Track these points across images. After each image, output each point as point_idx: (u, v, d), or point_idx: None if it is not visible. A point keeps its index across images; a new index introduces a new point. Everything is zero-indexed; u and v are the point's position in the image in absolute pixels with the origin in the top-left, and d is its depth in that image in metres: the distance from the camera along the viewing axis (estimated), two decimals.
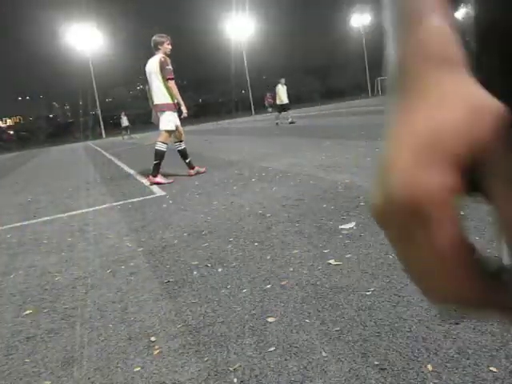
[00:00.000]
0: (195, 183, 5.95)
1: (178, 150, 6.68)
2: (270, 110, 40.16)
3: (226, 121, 43.05)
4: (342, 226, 3.11)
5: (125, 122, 31.64)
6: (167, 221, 4.08)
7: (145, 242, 3.51)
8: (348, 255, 2.56)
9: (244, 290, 2.30)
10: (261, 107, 50.31)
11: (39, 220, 5.02)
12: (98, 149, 22.50)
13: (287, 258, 2.66)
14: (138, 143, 22.28)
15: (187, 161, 6.80)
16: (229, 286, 2.39)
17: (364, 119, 14.97)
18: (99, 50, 47.18)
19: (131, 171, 8.84)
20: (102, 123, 44.60)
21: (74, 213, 5.14)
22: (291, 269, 2.49)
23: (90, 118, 57.01)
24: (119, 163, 11.34)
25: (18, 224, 4.97)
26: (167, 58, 6.26)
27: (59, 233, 4.26)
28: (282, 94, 18.30)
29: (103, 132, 44.85)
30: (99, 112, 44.76)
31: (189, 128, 32.93)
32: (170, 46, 6.42)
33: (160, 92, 6.29)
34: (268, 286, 2.31)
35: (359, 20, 60.73)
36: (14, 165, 20.30)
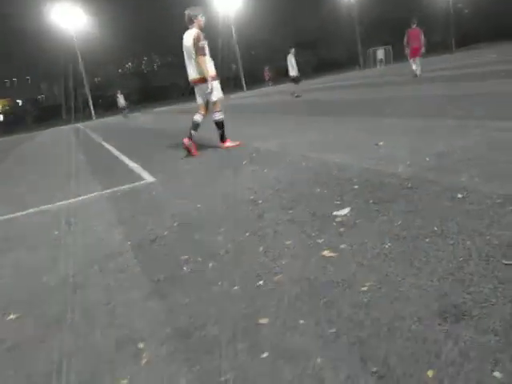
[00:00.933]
0: (185, 167, 5.82)
1: (214, 120, 6.84)
2: (270, 84, 39.79)
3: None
4: (336, 213, 3.01)
5: (122, 101, 30.75)
6: (157, 210, 3.97)
7: (134, 233, 3.40)
8: (343, 245, 2.47)
9: (236, 288, 2.21)
10: (252, 83, 49.63)
11: (27, 212, 4.89)
12: (87, 131, 22.14)
13: (280, 250, 2.57)
14: (127, 123, 21.94)
15: (220, 132, 6.90)
16: (220, 283, 2.30)
17: (357, 93, 14.77)
18: (84, 28, 45.95)
19: (119, 154, 8.67)
20: (91, 104, 43.86)
21: (61, 203, 5.01)
22: (284, 262, 2.40)
23: (79, 98, 56.08)
24: (108, 146, 11.13)
25: (6, 217, 4.83)
26: (200, 34, 6.34)
27: (47, 226, 4.14)
28: (292, 64, 17.59)
29: (93, 113, 44.14)
30: (87, 92, 43.91)
31: (183, 106, 32.47)
32: (203, 19, 6.54)
33: (196, 67, 6.45)
34: (260, 283, 2.22)
35: None
36: (4, 150, 19.97)
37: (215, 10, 49.83)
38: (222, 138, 6.87)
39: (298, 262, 2.37)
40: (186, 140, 6.72)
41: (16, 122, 56.60)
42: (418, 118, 6.50)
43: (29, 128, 50.31)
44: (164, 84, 68.62)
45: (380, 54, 41.26)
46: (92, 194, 5.16)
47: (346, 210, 3.03)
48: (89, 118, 44.31)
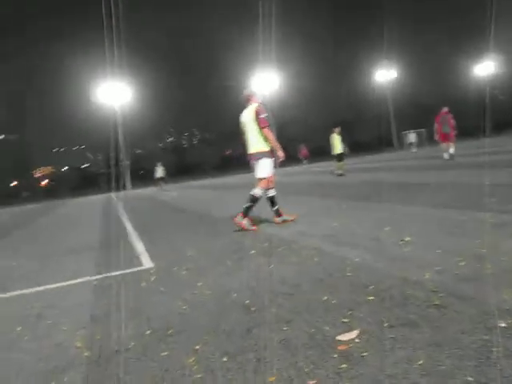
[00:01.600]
0: (188, 254, 5.30)
1: (268, 197, 6.72)
2: (305, 162, 39.98)
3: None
4: (341, 337, 2.36)
5: (159, 172, 31.32)
6: (137, 308, 3.41)
7: (98, 340, 2.83)
8: None
9: None
10: (287, 161, 50.37)
11: (5, 296, 4.43)
12: (117, 201, 22.32)
13: None
14: (157, 196, 22.02)
15: (274, 208, 6.75)
16: None
17: (389, 176, 14.27)
18: (129, 103, 48.66)
19: (132, 231, 8.30)
20: (128, 174, 45.18)
21: (44, 288, 4.53)
22: None
23: (118, 168, 58.20)
24: (126, 221, 10.85)
25: None
26: (262, 107, 6.48)
27: (13, 317, 3.63)
28: (337, 143, 17.77)
29: (129, 184, 45.30)
30: (127, 163, 45.45)
31: (210, 181, 32.83)
32: (259, 100, 6.73)
33: (256, 140, 6.48)
34: None
35: (385, 75, 61.20)
36: (29, 219, 20.25)
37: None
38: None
39: None
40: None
41: (57, 189, 58.78)
42: (452, 208, 5.85)
43: (68, 194, 52.00)
44: (200, 160, 70.75)
45: (412, 137, 41.18)
46: (81, 280, 4.68)
47: (353, 334, 2.38)
48: (125, 188, 45.42)
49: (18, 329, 3.31)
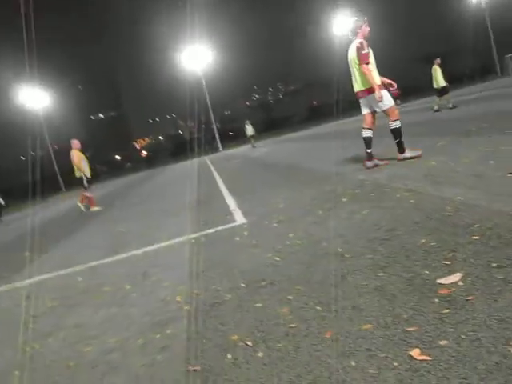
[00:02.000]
0: (279, 206, 5.29)
1: (391, 129, 6.37)
2: (398, 101, 37.80)
3: (339, 121, 41.62)
4: (442, 281, 2.19)
5: (249, 131, 31.90)
6: (232, 263, 3.49)
7: (196, 295, 2.95)
8: (443, 341, 1.68)
9: None
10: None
11: (116, 258, 4.81)
12: (209, 163, 23.08)
13: (353, 340, 1.86)
14: (249, 154, 22.35)
15: (397, 141, 6.37)
16: None
17: (488, 106, 12.91)
18: (212, 68, 49.32)
19: (224, 190, 8.52)
20: (217, 137, 46.38)
21: (149, 248, 4.85)
22: (353, 363, 1.70)
23: (209, 132, 59.80)
24: (218, 181, 11.17)
25: (96, 263, 4.81)
26: (364, 43, 6.23)
27: (123, 276, 3.93)
28: (438, 75, 16.26)
29: (220, 145, 46.56)
30: (215, 126, 46.60)
31: (298, 134, 32.49)
32: (368, 28, 6.45)
33: (361, 77, 6.33)
34: None
35: None
36: (135, 185, 21.78)
37: (333, 33, 49.66)
38: (400, 149, 6.35)
39: (372, 364, 1.65)
40: (367, 163, 6.50)
41: (156, 157, 62.37)
42: None
43: (166, 161, 55.03)
44: (287, 113, 70.03)
45: None
46: (180, 239, 4.91)
47: (456, 277, 2.19)
48: (216, 150, 46.79)
49: (128, 287, 3.57)
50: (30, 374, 2.40)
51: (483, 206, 3.22)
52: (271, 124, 65.20)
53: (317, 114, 70.94)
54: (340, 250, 3.10)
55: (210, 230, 4.92)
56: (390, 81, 6.69)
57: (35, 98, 47.83)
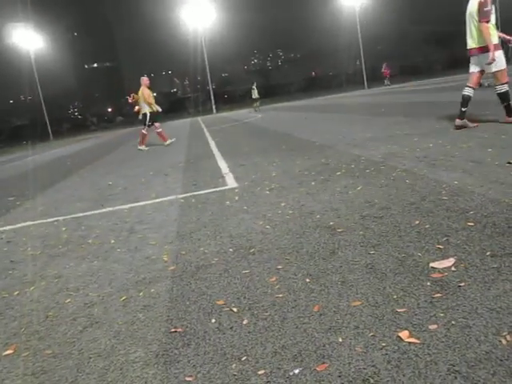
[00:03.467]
0: (272, 174, 5.22)
1: (498, 93, 6.14)
2: (386, 82, 37.25)
3: (336, 95, 41.18)
4: (434, 264, 2.16)
5: (255, 93, 31.50)
6: (220, 226, 3.43)
7: (183, 256, 2.90)
8: (433, 326, 1.65)
9: (260, 372, 1.55)
10: (374, 80, 47.36)
11: (102, 211, 4.73)
12: (202, 125, 22.76)
13: (341, 316, 1.83)
14: (243, 119, 22.06)
15: (505, 104, 6.15)
16: (244, 358, 1.65)
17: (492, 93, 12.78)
18: (214, 26, 47.97)
19: (217, 153, 8.40)
20: (212, 98, 45.63)
21: (136, 204, 4.77)
22: (340, 339, 1.67)
23: (204, 93, 58.79)
24: (211, 143, 11.02)
25: (81, 214, 4.73)
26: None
27: (108, 230, 3.87)
28: None
29: (213, 107, 45.89)
30: (210, 87, 45.75)
31: (294, 103, 32.14)
32: None
33: (478, 34, 6.01)
34: (296, 371, 1.52)
35: None
36: (125, 140, 21.43)
37: (341, 3, 48.54)
38: (509, 112, 6.10)
39: (359, 342, 1.62)
40: (458, 120, 6.33)
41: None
42: None
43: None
44: (285, 81, 69.03)
45: None
46: (169, 198, 4.83)
47: (449, 262, 2.16)
48: (210, 112, 46.14)
49: (112, 241, 3.51)
50: (8, 321, 2.34)
51: (480, 193, 3.18)
52: (268, 91, 64.23)
53: (315, 85, 70.05)
54: (332, 223, 3.06)
55: (201, 192, 4.85)
56: (509, 37, 6.40)
57: (28, 38, 46.19)
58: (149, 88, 12.01)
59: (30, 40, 46.43)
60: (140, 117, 12.30)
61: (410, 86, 33.30)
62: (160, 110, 12.20)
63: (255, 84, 31.67)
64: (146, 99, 11.84)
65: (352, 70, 57.46)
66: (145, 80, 11.99)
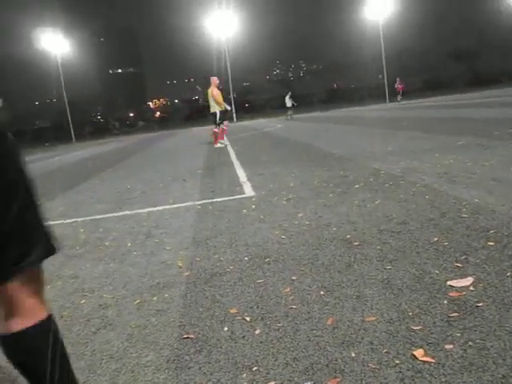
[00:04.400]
0: (290, 184, 5.21)
1: None
2: (398, 98, 36.67)
3: (357, 108, 41.04)
4: (452, 283, 2.12)
5: (288, 102, 31.58)
6: (237, 234, 3.43)
7: (198, 262, 2.91)
8: (449, 345, 1.62)
9: (271, 383, 1.54)
10: (396, 94, 47.12)
11: (120, 214, 4.78)
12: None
13: (354, 331, 1.81)
14: (262, 129, 22.13)
15: None
16: (255, 368, 1.64)
17: None
18: (236, 36, 48.46)
19: (236, 161, 8.43)
20: (233, 107, 45.91)
21: (154, 209, 4.81)
22: (353, 354, 1.65)
23: (225, 101, 59.20)
24: (231, 151, 11.07)
25: (99, 216, 4.78)
26: None
27: (126, 234, 3.90)
28: None
29: (234, 116, 46.15)
30: (232, 96, 46.12)
31: (315, 114, 32.13)
32: None
33: None
34: None
35: None
36: (146, 145, 21.70)
37: (364, 16, 48.53)
38: None
39: (372, 360, 1.60)
40: None
41: (170, 119, 62.00)
42: None
43: (179, 125, 54.78)
44: (306, 92, 69.11)
45: None
46: (186, 204, 4.86)
47: (467, 281, 2.12)
48: (230, 120, 46.36)
49: (129, 244, 3.54)
50: None
51: (501, 212, 3.13)
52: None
53: (336, 97, 69.95)
54: (348, 236, 3.03)
55: (218, 199, 4.87)
56: None
57: (56, 43, 47.30)
58: (218, 88, 12.41)
59: (57, 44, 47.54)
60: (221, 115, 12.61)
61: (431, 101, 32.99)
62: (228, 108, 12.68)
63: (290, 93, 31.76)
64: (215, 98, 12.18)
65: (374, 84, 57.22)
66: (214, 80, 12.36)
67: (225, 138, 13.47)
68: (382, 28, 49.11)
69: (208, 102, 12.57)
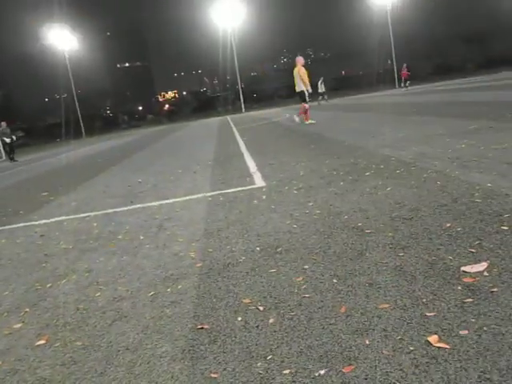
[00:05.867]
0: (300, 173, 5.20)
1: None
2: (403, 84, 35.98)
3: (367, 94, 40.62)
4: (466, 268, 2.11)
5: (320, 88, 31.64)
6: (248, 225, 3.44)
7: (211, 253, 2.93)
8: (463, 331, 1.61)
9: (286, 372, 1.55)
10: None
11: (132, 207, 4.82)
12: (231, 124, 22.85)
13: (368, 318, 1.81)
14: (276, 119, 22.04)
15: None
16: (269, 357, 1.65)
17: None
18: (242, 25, 48.11)
19: (245, 151, 8.42)
20: (241, 97, 45.79)
21: (165, 202, 4.83)
22: (367, 341, 1.65)
23: (233, 91, 59.03)
24: (240, 141, 11.06)
25: (112, 210, 4.83)
26: None
27: (138, 227, 3.93)
28: None
29: (242, 106, 46.02)
30: (239, 86, 45.94)
31: (323, 103, 31.87)
32: None
33: None
34: (322, 372, 1.51)
35: None
36: (155, 138, 21.76)
37: (372, 2, 47.86)
38: None
39: (387, 345, 1.60)
40: None
41: (178, 112, 62.04)
42: None
43: (187, 117, 54.81)
44: (315, 81, 68.49)
45: None
46: (197, 195, 4.88)
47: (481, 266, 2.10)
48: (239, 111, 46.29)
49: (141, 237, 3.57)
50: (41, 312, 2.42)
51: None
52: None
53: (344, 85, 69.30)
54: (360, 224, 3.02)
55: (228, 190, 4.87)
56: None
57: (63, 38, 47.43)
58: (305, 67, 12.65)
59: (65, 40, 47.66)
60: (307, 94, 12.76)
61: (442, 85, 32.53)
62: (310, 90, 12.78)
63: (322, 79, 31.73)
64: (302, 77, 12.44)
65: (383, 70, 56.59)
66: (300, 60, 12.64)
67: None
68: (390, 13, 48.42)
69: (294, 81, 12.88)
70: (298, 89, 12.79)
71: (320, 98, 31.96)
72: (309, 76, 12.63)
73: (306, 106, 13.06)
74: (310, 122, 13.00)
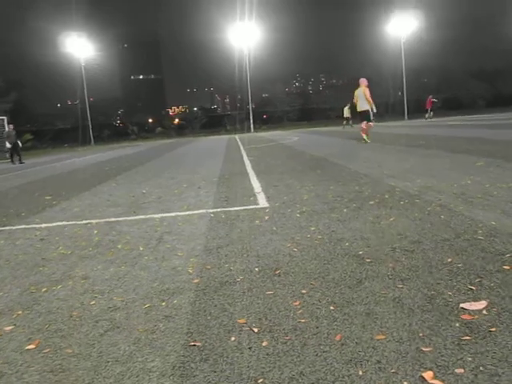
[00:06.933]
0: (304, 197, 5.20)
1: None
2: (429, 115, 36.35)
3: (377, 123, 40.74)
4: (465, 306, 2.08)
5: (347, 112, 32.56)
6: (249, 245, 3.43)
7: (208, 270, 2.91)
8: (459, 370, 1.59)
9: None
10: (414, 112, 46.85)
11: (134, 218, 4.82)
12: (239, 143, 22.99)
13: (363, 349, 1.78)
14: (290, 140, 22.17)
15: None
16: (260, 380, 1.63)
17: None
18: (257, 47, 48.88)
19: (251, 171, 8.44)
20: (251, 117, 46.17)
21: (168, 215, 4.83)
22: (361, 372, 1.62)
23: (243, 111, 59.52)
24: (246, 161, 11.10)
25: (114, 219, 4.83)
26: None
27: (138, 238, 3.93)
28: None
29: (251, 126, 46.35)
30: (250, 107, 46.40)
31: (332, 128, 32.07)
32: None
33: None
34: None
35: None
36: (163, 150, 21.88)
37: (387, 33, 48.58)
38: None
39: (379, 376, 1.57)
40: None
41: (187, 127, 62.46)
42: None
43: (196, 133, 55.20)
44: (324, 106, 69.08)
45: None
46: (200, 211, 4.88)
47: (480, 305, 2.08)
48: (248, 130, 46.59)
49: (141, 248, 3.56)
50: (34, 316, 2.40)
51: None
52: (307, 114, 64.26)
53: (354, 113, 69.66)
54: (361, 252, 3.01)
55: (231, 208, 4.87)
56: None
57: (80, 47, 48.21)
58: (368, 87, 13.69)
59: (81, 48, 48.45)
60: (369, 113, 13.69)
61: (451, 120, 32.72)
62: (375, 110, 13.75)
63: (349, 105, 32.33)
64: (367, 97, 13.49)
65: (393, 101, 57.08)
66: (364, 81, 13.73)
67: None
68: (404, 46, 49.10)
69: (356, 101, 13.84)
70: (360, 108, 13.71)
71: (345, 122, 32.85)
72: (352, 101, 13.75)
73: (372, 124, 13.91)
74: (365, 138, 13.92)
